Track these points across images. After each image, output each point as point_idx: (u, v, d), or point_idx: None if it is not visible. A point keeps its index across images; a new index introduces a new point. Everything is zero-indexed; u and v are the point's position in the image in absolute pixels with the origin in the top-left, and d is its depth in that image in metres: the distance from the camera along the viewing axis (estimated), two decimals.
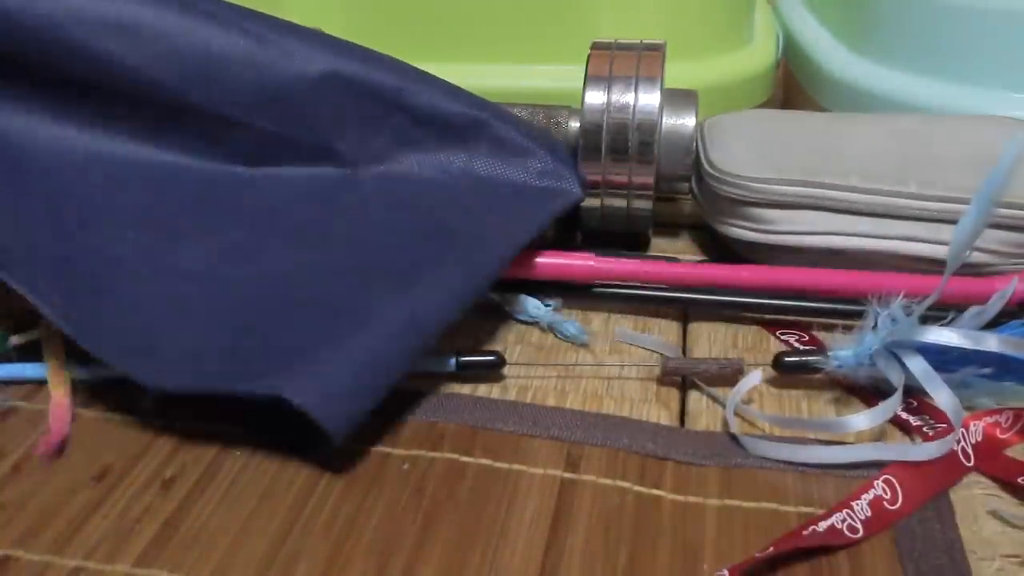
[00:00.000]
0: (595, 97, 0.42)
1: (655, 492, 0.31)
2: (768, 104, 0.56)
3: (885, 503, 0.30)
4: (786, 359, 0.36)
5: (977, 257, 0.39)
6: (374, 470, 0.32)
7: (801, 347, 0.38)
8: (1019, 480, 0.31)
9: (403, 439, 0.33)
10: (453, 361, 0.36)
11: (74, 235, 0.38)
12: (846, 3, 0.54)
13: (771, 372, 0.36)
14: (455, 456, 0.33)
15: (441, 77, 0.43)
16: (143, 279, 0.37)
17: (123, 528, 0.30)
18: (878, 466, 0.31)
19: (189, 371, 0.33)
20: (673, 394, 0.36)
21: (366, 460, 0.33)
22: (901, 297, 0.33)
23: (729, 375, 0.35)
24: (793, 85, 0.59)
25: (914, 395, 0.34)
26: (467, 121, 0.42)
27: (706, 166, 0.42)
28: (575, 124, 0.44)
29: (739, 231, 0.42)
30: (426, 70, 0.43)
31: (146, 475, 0.32)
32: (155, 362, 0.33)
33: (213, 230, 0.40)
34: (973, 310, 0.34)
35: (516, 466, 0.32)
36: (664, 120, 0.42)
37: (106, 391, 0.36)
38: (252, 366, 0.32)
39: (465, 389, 0.36)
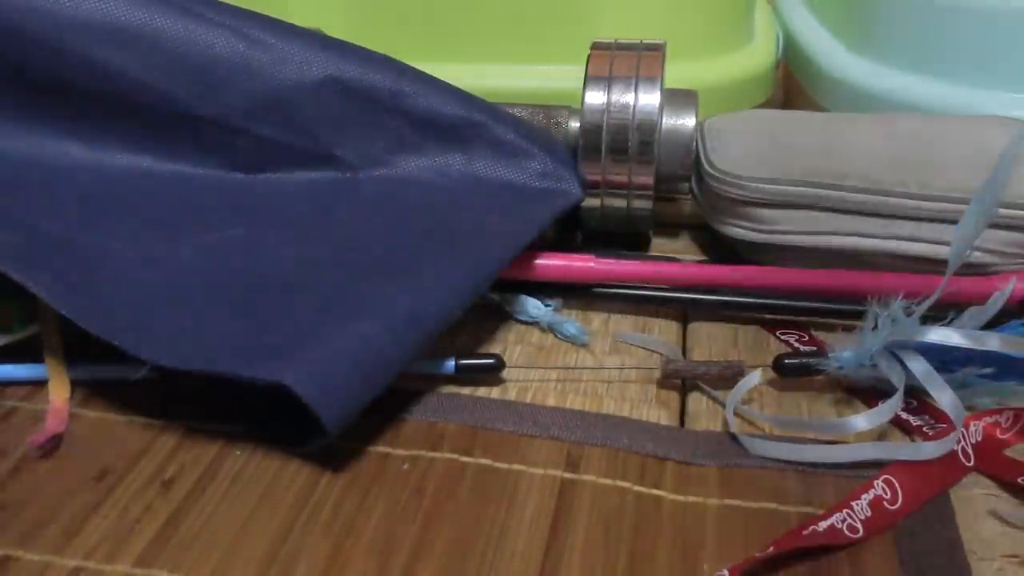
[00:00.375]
0: (595, 97, 0.42)
1: (655, 492, 0.31)
2: (768, 104, 0.56)
3: (885, 503, 0.30)
4: (787, 361, 0.36)
5: (977, 257, 0.39)
6: (374, 470, 0.32)
7: (801, 347, 0.38)
8: (1019, 480, 0.31)
9: (403, 439, 0.33)
10: (452, 364, 0.36)
11: (73, 238, 0.38)
12: (846, 3, 0.54)
13: (771, 373, 0.36)
14: (455, 456, 0.33)
15: (441, 77, 0.42)
16: (141, 267, 0.37)
17: (123, 528, 0.30)
18: (878, 466, 0.31)
19: (186, 349, 0.32)
20: (673, 394, 0.36)
21: (366, 460, 0.33)
22: (901, 297, 0.33)
23: (729, 378, 0.35)
24: (793, 85, 0.59)
25: (914, 395, 0.34)
26: (465, 123, 0.42)
27: (706, 166, 0.42)
28: (575, 124, 0.44)
29: (739, 231, 0.42)
30: (426, 70, 0.43)
31: (146, 475, 0.32)
32: (151, 338, 0.33)
33: (212, 228, 0.40)
34: (973, 310, 0.34)
35: (516, 466, 0.32)
36: (664, 120, 0.42)
37: (106, 391, 0.36)
38: (250, 351, 0.32)
39: (465, 389, 0.36)
